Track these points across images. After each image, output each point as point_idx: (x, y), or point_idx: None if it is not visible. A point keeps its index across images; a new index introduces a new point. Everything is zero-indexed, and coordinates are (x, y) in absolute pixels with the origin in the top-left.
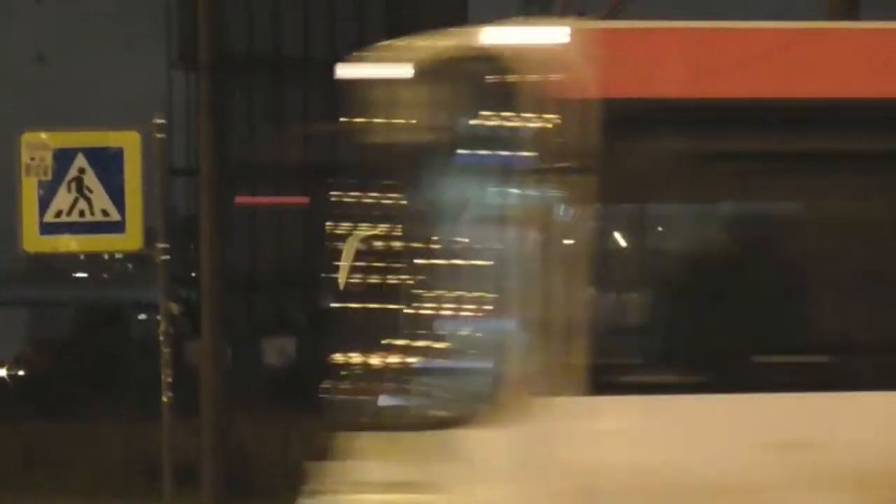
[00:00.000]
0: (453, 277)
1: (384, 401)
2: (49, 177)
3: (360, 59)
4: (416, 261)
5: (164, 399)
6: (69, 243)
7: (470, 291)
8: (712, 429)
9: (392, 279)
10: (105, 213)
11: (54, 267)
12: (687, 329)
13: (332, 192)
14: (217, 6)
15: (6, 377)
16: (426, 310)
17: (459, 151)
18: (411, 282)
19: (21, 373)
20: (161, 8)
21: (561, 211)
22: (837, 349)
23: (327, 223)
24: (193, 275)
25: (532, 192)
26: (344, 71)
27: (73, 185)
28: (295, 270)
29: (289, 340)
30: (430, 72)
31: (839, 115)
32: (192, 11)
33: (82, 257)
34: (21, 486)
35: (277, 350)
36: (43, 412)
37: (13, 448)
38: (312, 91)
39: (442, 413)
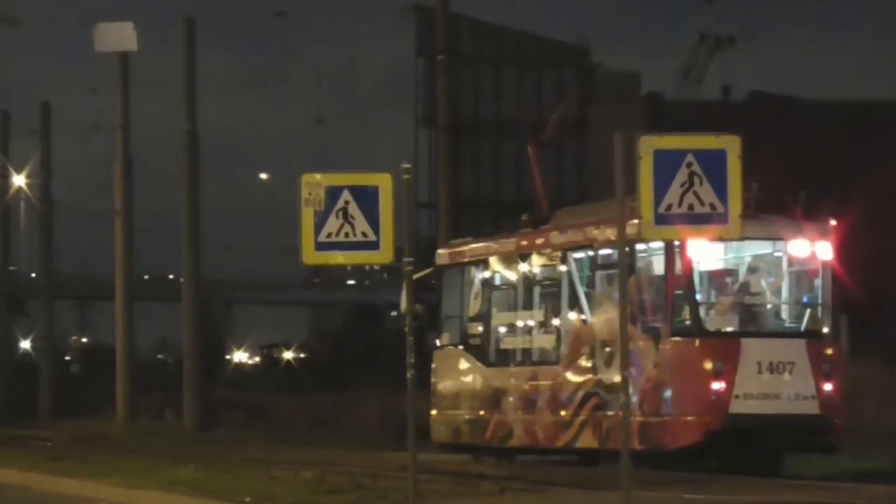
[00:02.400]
0: None
1: None
2: (322, 207)
3: None
4: None
5: (409, 376)
6: (337, 257)
7: None
8: None
9: None
10: (364, 234)
11: (329, 276)
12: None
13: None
14: (452, 82)
15: (292, 360)
16: None
17: None
18: None
19: (303, 356)
20: (410, 82)
21: None
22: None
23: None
24: (434, 282)
25: None
26: None
27: (340, 213)
28: None
29: None
30: None
31: None
32: (433, 85)
33: (349, 268)
34: (307, 441)
35: None
36: (321, 386)
37: (300, 413)
38: (522, 147)
39: None
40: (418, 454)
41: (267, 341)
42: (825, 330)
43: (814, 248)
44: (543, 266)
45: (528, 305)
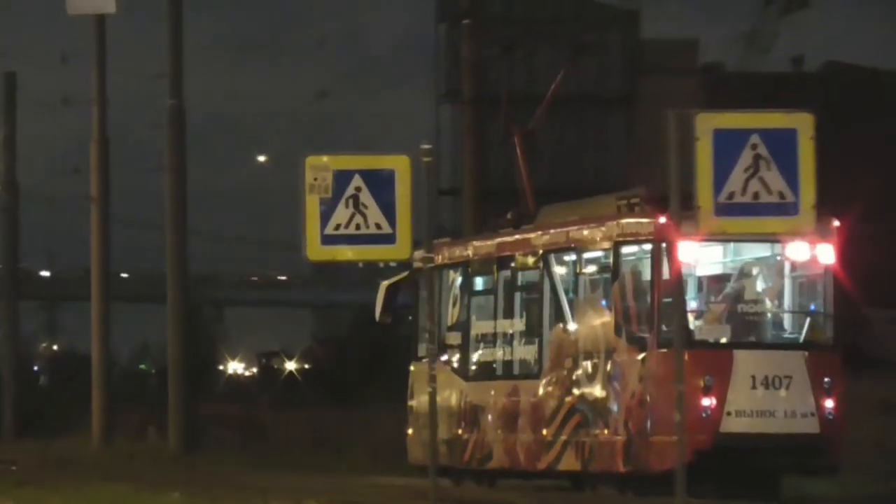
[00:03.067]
0: None
1: None
2: (329, 194)
3: None
4: None
5: (429, 390)
6: (346, 253)
7: None
8: None
9: None
10: (378, 226)
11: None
12: None
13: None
14: (478, 49)
15: (294, 371)
16: None
17: None
18: None
19: (307, 366)
20: (430, 51)
21: None
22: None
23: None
24: None
25: None
26: None
27: (351, 201)
28: None
29: None
30: None
31: None
32: (456, 54)
33: (360, 265)
34: (310, 464)
35: None
36: (326, 400)
37: (302, 431)
38: (560, 124)
39: None
40: (405, 478)
41: (265, 348)
42: (826, 341)
43: (814, 251)
44: (524, 270)
45: (508, 314)
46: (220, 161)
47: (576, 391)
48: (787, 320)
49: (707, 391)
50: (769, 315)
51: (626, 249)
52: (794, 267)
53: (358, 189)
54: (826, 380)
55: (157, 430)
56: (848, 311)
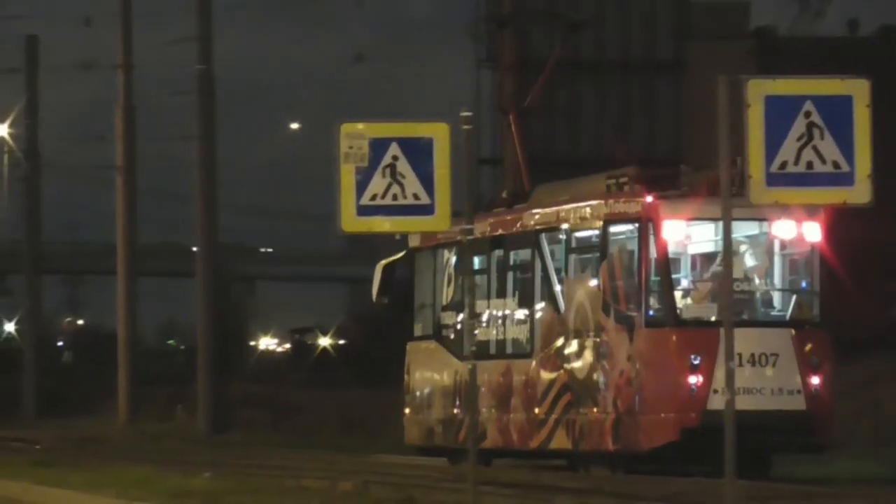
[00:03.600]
0: None
1: None
2: (365, 163)
3: None
4: None
5: (469, 366)
6: (383, 224)
7: None
8: None
9: None
10: (416, 196)
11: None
12: None
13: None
14: (521, 12)
15: (330, 347)
16: None
17: None
18: None
19: (342, 342)
20: (470, 11)
21: None
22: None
23: None
24: None
25: None
26: None
27: (387, 171)
28: None
29: None
30: None
31: None
32: (498, 17)
33: (397, 237)
34: (343, 445)
35: None
36: (359, 378)
37: (335, 411)
38: (606, 91)
39: None
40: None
41: (298, 325)
42: (813, 318)
43: (801, 230)
44: (516, 250)
45: (501, 293)
46: (250, 129)
47: (566, 370)
48: (774, 298)
49: (694, 369)
50: (756, 293)
51: (613, 229)
52: (781, 245)
53: (395, 158)
54: (813, 357)
55: (184, 409)
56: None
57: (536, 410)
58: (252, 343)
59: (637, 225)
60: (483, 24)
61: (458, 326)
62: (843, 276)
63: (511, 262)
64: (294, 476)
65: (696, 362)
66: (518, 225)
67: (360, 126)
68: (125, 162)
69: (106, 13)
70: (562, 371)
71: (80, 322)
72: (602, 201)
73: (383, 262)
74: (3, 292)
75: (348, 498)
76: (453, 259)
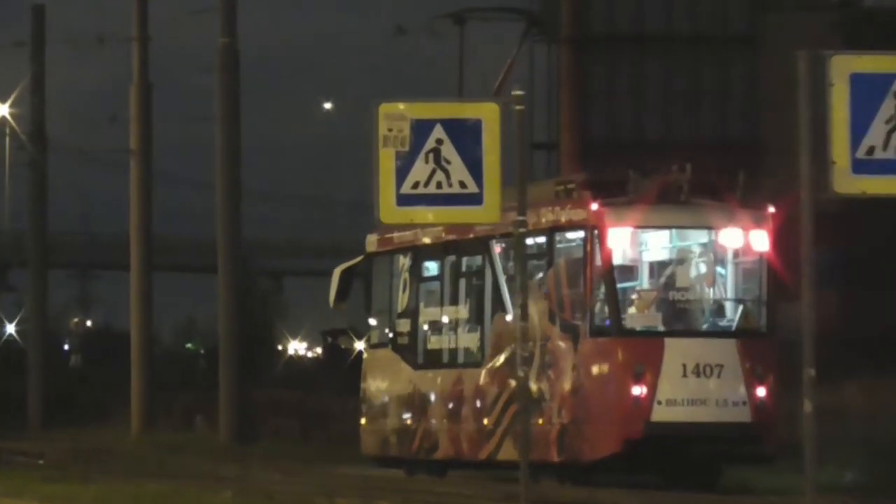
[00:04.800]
0: None
1: None
2: (406, 148)
3: None
4: None
5: (519, 374)
6: (426, 215)
7: None
8: None
9: None
10: (462, 184)
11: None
12: None
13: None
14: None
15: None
16: None
17: None
18: None
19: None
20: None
21: None
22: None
23: None
24: None
25: None
26: None
27: (431, 156)
28: None
29: None
30: None
31: None
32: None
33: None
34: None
35: None
36: None
37: None
38: (675, 67)
39: None
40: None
41: (331, 325)
42: (760, 328)
43: (749, 239)
44: (468, 256)
45: (453, 300)
46: (278, 110)
47: (514, 380)
48: (719, 308)
49: (637, 379)
50: (701, 303)
51: (559, 236)
52: (728, 253)
53: (439, 141)
54: (759, 368)
55: (205, 418)
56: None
57: (485, 421)
58: (279, 346)
59: (583, 232)
60: (440, 19)
61: (412, 334)
62: (792, 285)
63: (463, 269)
64: (326, 494)
65: (641, 372)
66: (470, 231)
67: (401, 106)
68: (140, 145)
69: None
70: (510, 380)
71: (90, 322)
72: (548, 208)
73: (341, 266)
74: (6, 288)
75: None
76: (407, 265)
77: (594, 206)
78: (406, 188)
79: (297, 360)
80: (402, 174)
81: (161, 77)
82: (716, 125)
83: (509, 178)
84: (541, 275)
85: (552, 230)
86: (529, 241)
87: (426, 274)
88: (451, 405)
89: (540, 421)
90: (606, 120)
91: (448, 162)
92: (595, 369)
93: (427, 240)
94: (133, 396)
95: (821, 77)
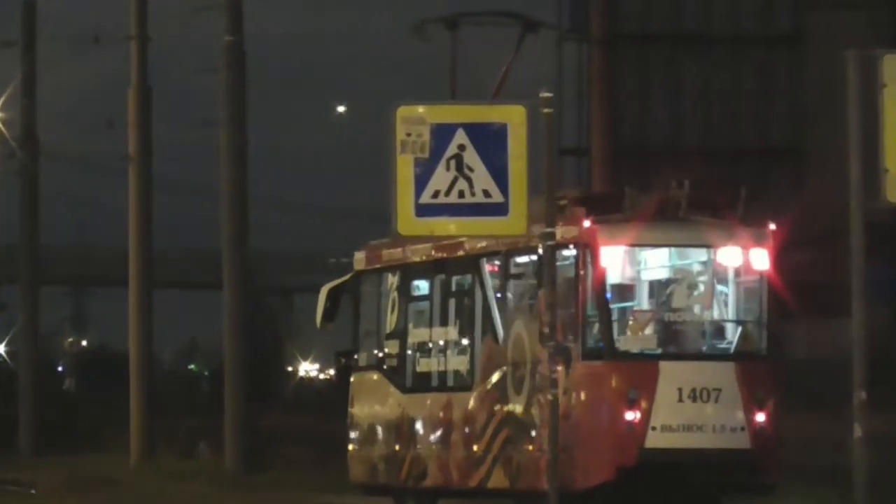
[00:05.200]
0: None
1: None
2: (426, 154)
3: None
4: None
5: (550, 397)
6: (447, 226)
7: None
8: None
9: None
10: (486, 193)
11: None
12: None
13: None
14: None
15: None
16: None
17: None
18: None
19: None
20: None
21: None
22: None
23: None
24: None
25: None
26: None
27: (452, 163)
28: None
29: None
30: None
31: None
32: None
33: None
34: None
35: None
36: None
37: None
38: (712, 69)
39: None
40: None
41: (345, 346)
42: (760, 351)
43: (748, 258)
44: (457, 275)
45: (442, 322)
46: (287, 113)
47: (504, 404)
48: (717, 329)
49: (631, 405)
50: (698, 324)
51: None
52: (726, 274)
53: (461, 147)
54: (759, 392)
55: (209, 445)
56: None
57: (475, 447)
58: (289, 368)
59: (574, 251)
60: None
61: (401, 356)
62: (793, 306)
63: (453, 289)
64: None
65: (634, 397)
66: (460, 249)
67: (420, 109)
68: (139, 151)
69: None
70: (500, 405)
71: (85, 342)
72: (540, 224)
73: (328, 285)
74: None
75: None
76: (395, 284)
77: (587, 224)
78: (426, 197)
79: (308, 382)
80: (421, 182)
81: (158, 77)
82: (757, 130)
83: (535, 187)
84: (532, 294)
85: (542, 249)
86: (519, 260)
87: (415, 293)
88: (440, 430)
89: (530, 447)
90: (640, 124)
91: (471, 169)
92: (587, 394)
93: (416, 258)
94: (132, 421)
95: (872, 78)
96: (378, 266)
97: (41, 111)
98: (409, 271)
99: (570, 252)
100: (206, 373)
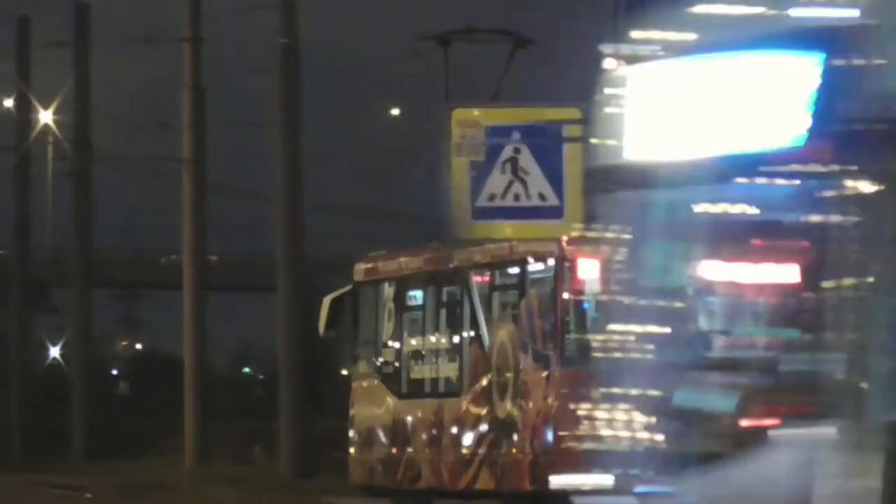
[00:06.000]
0: None
1: None
2: (481, 157)
3: None
4: None
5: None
6: (503, 230)
7: None
8: None
9: None
10: (542, 196)
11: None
12: None
13: None
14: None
15: None
16: None
17: None
18: None
19: None
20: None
21: None
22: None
23: None
24: None
25: None
26: None
27: (508, 166)
28: None
29: None
30: None
31: None
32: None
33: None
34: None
35: None
36: None
37: None
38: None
39: None
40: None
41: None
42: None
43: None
44: (447, 287)
45: (434, 331)
46: (343, 115)
47: (489, 409)
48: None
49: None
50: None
51: (532, 267)
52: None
53: (517, 150)
54: None
55: (264, 449)
56: None
57: (464, 450)
58: (344, 371)
59: (553, 263)
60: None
61: (396, 363)
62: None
63: (443, 300)
64: None
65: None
66: (449, 261)
67: (476, 112)
68: (194, 154)
69: None
70: (486, 410)
71: (139, 346)
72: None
73: (330, 296)
74: (48, 310)
75: None
76: (391, 294)
77: (564, 238)
78: (482, 201)
79: None
80: (477, 185)
81: (211, 79)
82: None
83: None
84: (515, 305)
85: (524, 261)
86: (503, 272)
87: (409, 304)
88: (432, 435)
89: (514, 450)
90: None
91: (526, 172)
92: (567, 399)
93: (410, 270)
94: (186, 426)
95: None
96: (375, 278)
97: (95, 113)
98: (404, 283)
99: (549, 264)
100: (261, 377)
